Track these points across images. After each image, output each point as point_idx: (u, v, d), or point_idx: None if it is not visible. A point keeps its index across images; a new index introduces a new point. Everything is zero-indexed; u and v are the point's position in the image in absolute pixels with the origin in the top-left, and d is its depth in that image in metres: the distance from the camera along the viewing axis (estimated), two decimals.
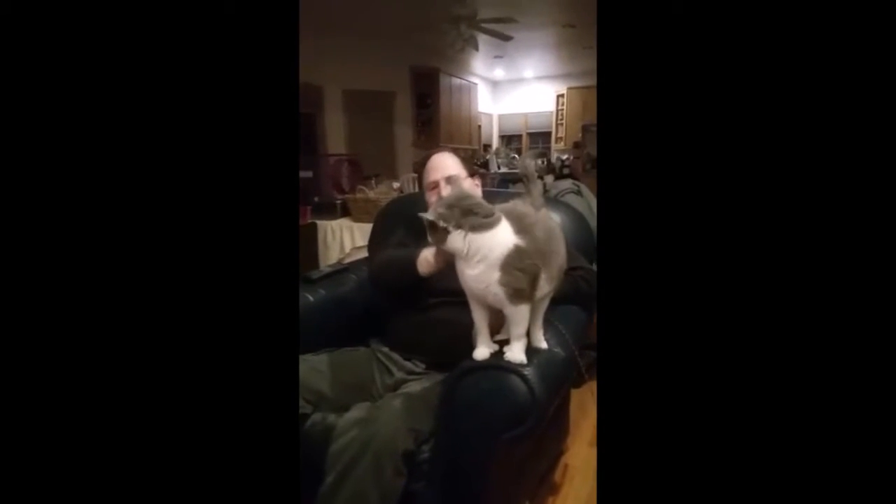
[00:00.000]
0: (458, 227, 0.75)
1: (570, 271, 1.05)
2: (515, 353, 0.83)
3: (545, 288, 0.83)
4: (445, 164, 1.17)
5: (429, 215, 0.76)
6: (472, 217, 0.75)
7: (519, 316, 0.81)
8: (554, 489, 1.26)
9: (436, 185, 1.15)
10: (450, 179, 1.10)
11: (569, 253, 1.07)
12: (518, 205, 0.83)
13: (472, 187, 1.18)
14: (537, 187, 0.90)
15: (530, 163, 1.00)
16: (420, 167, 1.24)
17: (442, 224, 0.75)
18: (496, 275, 0.76)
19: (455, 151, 1.23)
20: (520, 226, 0.78)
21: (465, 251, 0.76)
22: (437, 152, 1.22)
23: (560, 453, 1.38)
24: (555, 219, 0.90)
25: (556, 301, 1.04)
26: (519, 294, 0.78)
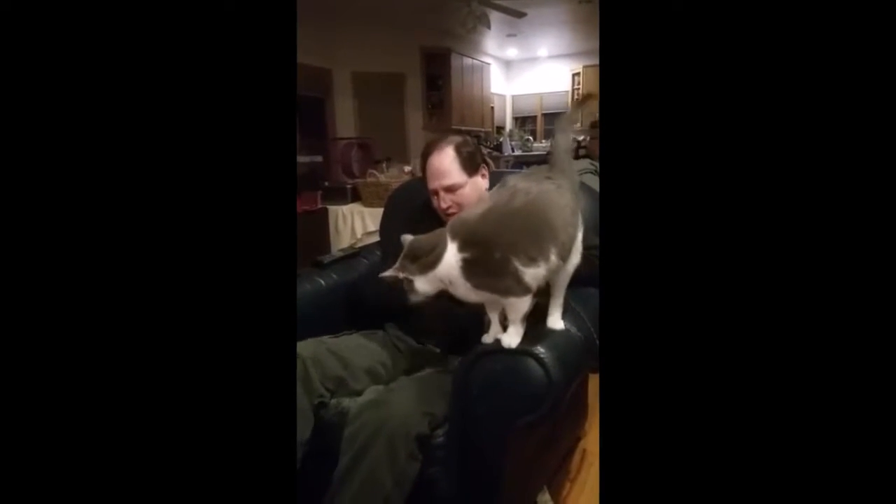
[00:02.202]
0: (416, 273, 0.78)
1: (586, 251, 1.01)
2: (509, 337, 0.82)
3: (544, 266, 0.77)
4: (445, 171, 1.06)
5: (387, 275, 0.80)
6: (420, 261, 0.78)
7: (512, 307, 0.81)
8: (572, 475, 1.24)
9: (436, 193, 1.08)
10: (451, 189, 1.07)
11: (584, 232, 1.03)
12: (484, 198, 0.86)
13: (478, 185, 1.10)
14: (565, 164, 0.85)
15: (560, 136, 0.92)
16: (423, 158, 1.13)
17: (403, 276, 0.79)
18: (471, 288, 0.78)
19: (458, 148, 1.08)
20: (463, 239, 0.78)
21: (435, 287, 0.79)
22: (436, 150, 1.09)
23: (578, 439, 1.35)
24: (548, 191, 0.82)
25: (575, 282, 1.01)
26: (507, 289, 0.78)
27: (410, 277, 0.79)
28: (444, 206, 1.08)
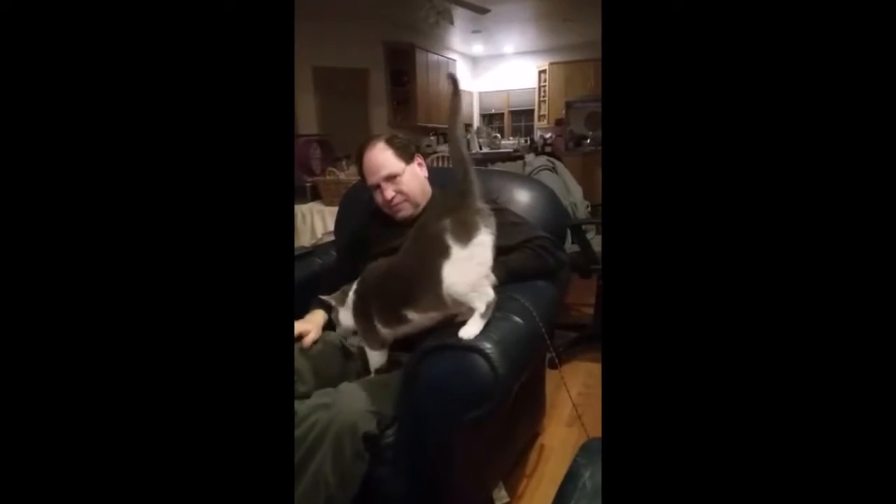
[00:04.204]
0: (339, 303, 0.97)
1: (527, 243, 1.02)
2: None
3: (398, 328, 0.89)
4: (381, 162, 1.08)
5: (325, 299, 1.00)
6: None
7: (368, 355, 0.96)
8: (529, 470, 1.25)
9: (378, 187, 1.10)
10: (391, 178, 1.09)
11: (519, 226, 1.04)
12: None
13: (416, 172, 1.11)
14: (472, 179, 0.82)
15: (452, 143, 0.91)
16: (358, 160, 1.14)
17: (334, 304, 0.98)
18: (352, 321, 0.96)
19: (389, 140, 1.10)
20: (359, 282, 0.96)
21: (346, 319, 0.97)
22: (369, 147, 1.10)
23: (536, 434, 1.36)
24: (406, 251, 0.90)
25: (524, 276, 1.01)
26: (365, 338, 0.95)
27: (337, 307, 0.96)
28: (388, 196, 1.09)
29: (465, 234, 0.79)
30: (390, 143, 1.10)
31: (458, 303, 0.82)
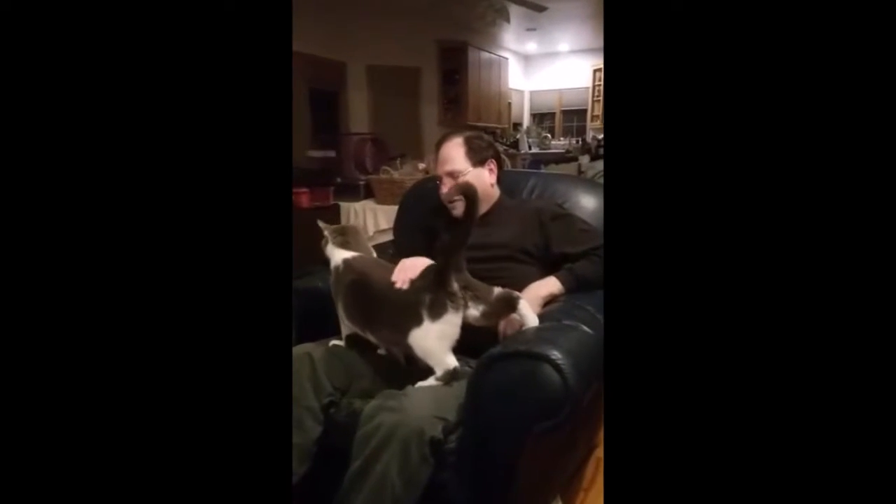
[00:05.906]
0: (334, 240, 1.05)
1: (595, 251, 0.99)
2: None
3: (355, 329, 0.97)
4: (449, 157, 1.12)
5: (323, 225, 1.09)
6: (344, 238, 1.04)
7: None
8: (586, 484, 1.21)
9: (440, 179, 1.14)
10: (452, 174, 1.11)
11: (587, 232, 1.05)
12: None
13: (482, 176, 1.12)
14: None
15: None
16: (437, 148, 1.18)
17: (326, 233, 1.05)
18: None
19: (468, 139, 1.13)
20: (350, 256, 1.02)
21: (331, 257, 1.04)
22: (447, 140, 1.14)
23: (593, 447, 1.32)
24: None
25: (592, 284, 0.97)
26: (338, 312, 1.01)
27: (329, 241, 1.03)
28: (444, 190, 1.11)
29: (438, 312, 0.87)
30: (468, 141, 1.13)
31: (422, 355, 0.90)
